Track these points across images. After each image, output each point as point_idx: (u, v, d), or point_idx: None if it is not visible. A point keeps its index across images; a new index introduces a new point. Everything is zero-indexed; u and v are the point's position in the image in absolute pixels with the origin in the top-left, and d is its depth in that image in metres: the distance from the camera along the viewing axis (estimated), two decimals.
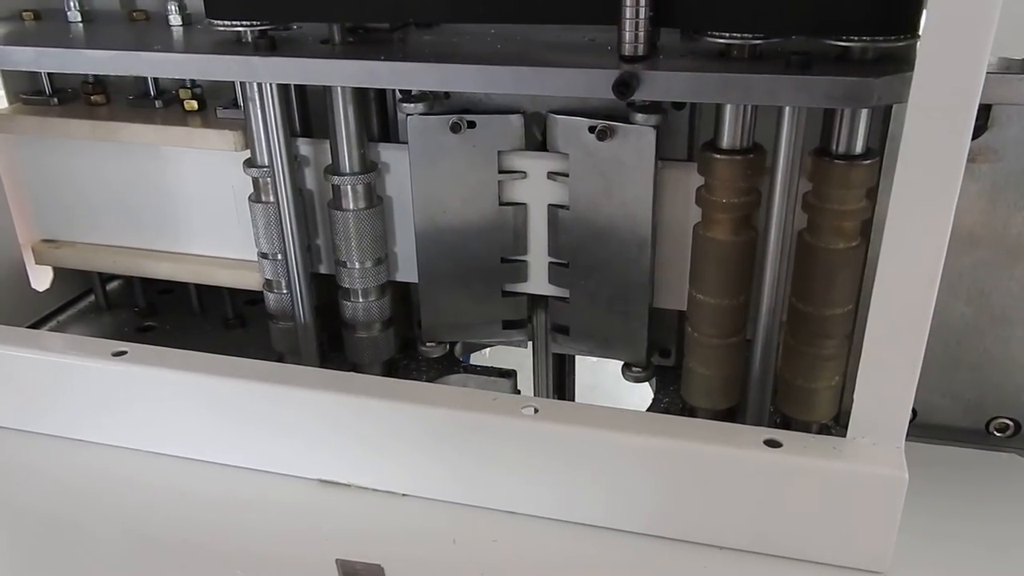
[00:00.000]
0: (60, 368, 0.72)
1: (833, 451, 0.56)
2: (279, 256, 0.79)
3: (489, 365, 0.88)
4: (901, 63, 0.55)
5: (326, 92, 0.71)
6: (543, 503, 0.63)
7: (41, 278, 0.95)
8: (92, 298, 1.00)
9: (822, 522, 0.57)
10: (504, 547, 0.62)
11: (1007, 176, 0.62)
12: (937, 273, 0.50)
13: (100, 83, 0.85)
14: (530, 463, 0.62)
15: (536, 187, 0.73)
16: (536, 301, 0.79)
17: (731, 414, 0.72)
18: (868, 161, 0.60)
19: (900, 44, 0.55)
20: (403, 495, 0.67)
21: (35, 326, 0.94)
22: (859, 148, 0.60)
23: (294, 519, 0.66)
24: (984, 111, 0.60)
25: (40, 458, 0.74)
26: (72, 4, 0.82)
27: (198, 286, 0.96)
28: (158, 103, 0.84)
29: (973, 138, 0.61)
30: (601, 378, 0.92)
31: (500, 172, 0.72)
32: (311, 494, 0.68)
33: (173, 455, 0.72)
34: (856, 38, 0.56)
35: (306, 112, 0.79)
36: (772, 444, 0.57)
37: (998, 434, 0.71)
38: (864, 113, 0.59)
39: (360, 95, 0.72)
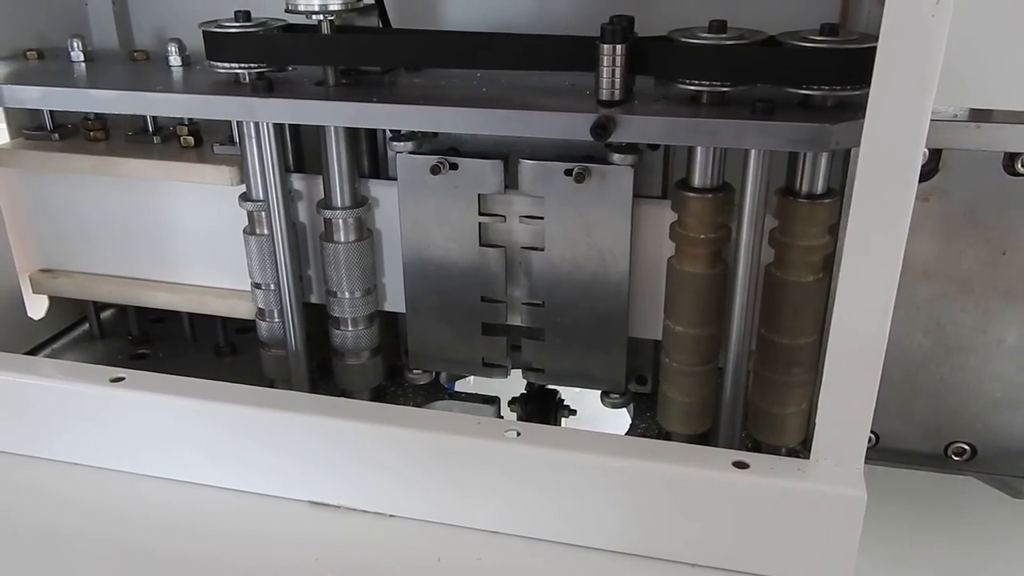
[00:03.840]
0: (60, 394, 0.75)
1: (797, 472, 0.60)
2: (272, 286, 0.82)
3: (473, 392, 0.91)
4: (858, 110, 0.59)
5: (319, 130, 0.75)
6: (524, 522, 0.66)
7: (37, 307, 0.97)
8: (86, 326, 1.02)
9: (787, 539, 0.61)
10: (487, 565, 0.65)
11: (958, 215, 0.66)
12: (890, 304, 0.54)
13: (100, 119, 0.88)
14: (512, 484, 0.65)
15: (516, 229, 0.76)
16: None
17: (705, 438, 0.76)
18: (829, 200, 0.64)
19: (857, 93, 0.59)
20: (391, 516, 0.69)
21: (30, 354, 0.96)
22: (821, 188, 0.65)
23: (286, 539, 0.69)
24: (936, 155, 0.65)
25: (38, 481, 0.76)
26: (75, 44, 0.85)
27: (190, 315, 0.98)
28: (156, 139, 0.87)
29: (926, 180, 0.66)
30: (581, 406, 0.95)
31: (481, 214, 0.75)
32: (302, 515, 0.71)
33: (169, 478, 0.74)
34: (816, 87, 0.60)
35: (300, 148, 0.82)
36: (740, 465, 0.61)
37: (955, 458, 0.74)
38: (825, 156, 0.64)
39: (352, 133, 0.76)
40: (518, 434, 0.65)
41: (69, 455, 0.76)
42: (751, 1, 0.72)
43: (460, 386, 0.96)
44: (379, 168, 0.82)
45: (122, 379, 0.73)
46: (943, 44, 0.47)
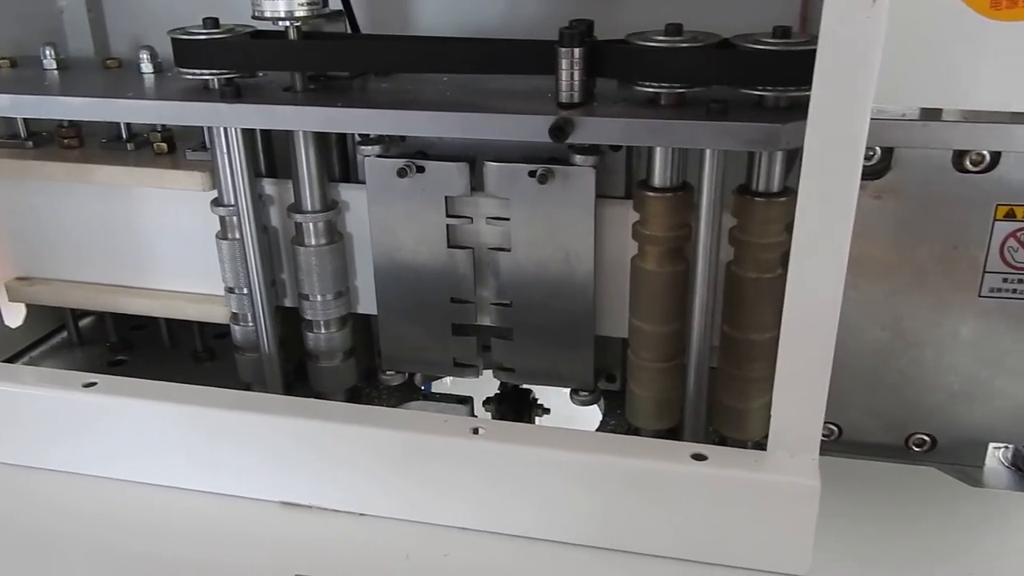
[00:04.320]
0: (32, 400, 0.75)
1: (754, 463, 0.61)
2: (245, 290, 0.83)
3: (448, 392, 0.92)
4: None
5: (289, 135, 0.76)
6: (490, 518, 0.67)
7: (14, 315, 0.97)
8: (65, 334, 1.03)
9: (746, 528, 0.62)
10: (455, 560, 0.66)
11: (911, 211, 0.68)
12: (838, 298, 0.55)
13: (74, 127, 0.89)
14: (478, 481, 0.66)
15: (483, 231, 0.77)
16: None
17: (672, 433, 0.77)
18: (784, 198, 0.66)
19: (808, 93, 0.60)
20: (361, 515, 0.71)
21: (8, 362, 0.97)
22: (776, 186, 0.66)
23: (259, 539, 0.70)
24: (887, 153, 0.66)
25: (12, 487, 0.76)
26: (48, 52, 0.86)
27: (168, 321, 0.99)
28: (130, 146, 0.88)
29: (878, 178, 0.67)
30: (556, 406, 0.96)
31: (448, 216, 0.77)
32: (274, 515, 0.72)
33: (141, 482, 0.75)
34: (769, 88, 0.62)
35: (270, 153, 0.83)
36: (698, 458, 0.62)
37: (916, 449, 0.76)
38: (780, 155, 0.65)
39: (321, 138, 0.77)
40: (483, 431, 0.66)
41: (43, 461, 0.77)
42: (720, 5, 0.74)
43: (437, 387, 0.97)
44: (349, 172, 0.83)
45: (95, 384, 0.74)
46: (880, 44, 0.48)
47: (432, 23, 0.87)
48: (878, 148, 0.66)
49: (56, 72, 0.85)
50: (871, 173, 0.67)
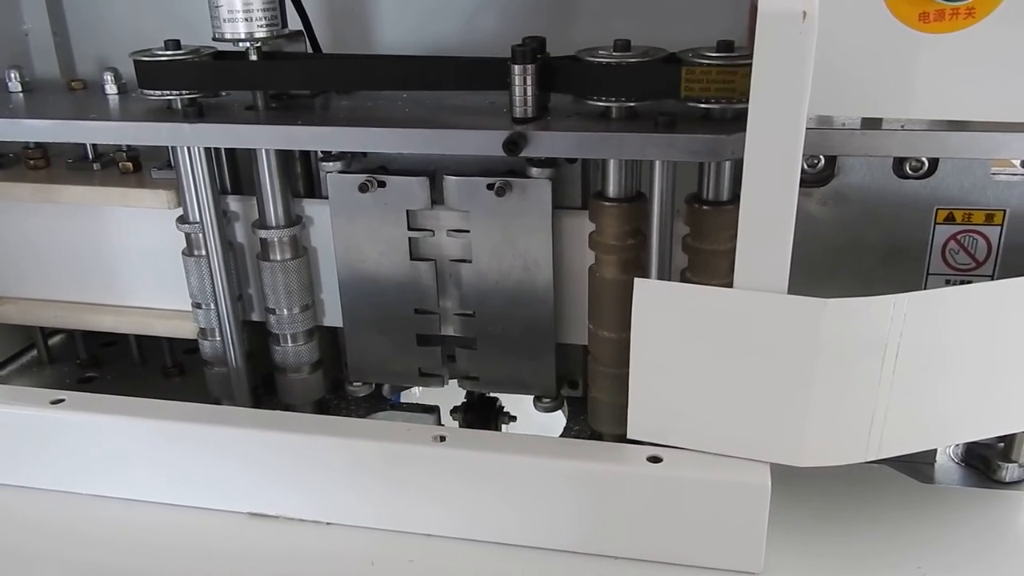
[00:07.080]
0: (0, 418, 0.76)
1: (707, 465, 0.63)
2: (212, 305, 0.84)
3: (415, 402, 0.93)
4: None
5: (252, 153, 0.77)
6: (453, 524, 0.69)
7: None
8: (34, 352, 1.04)
9: (702, 528, 0.64)
10: (419, 566, 0.67)
11: (855, 216, 0.70)
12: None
13: (40, 148, 0.90)
14: (441, 487, 0.68)
15: (445, 243, 0.79)
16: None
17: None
18: (732, 206, 0.67)
19: None
20: (327, 524, 0.72)
21: None
22: (725, 195, 0.68)
23: (227, 550, 0.70)
24: (831, 161, 0.69)
25: None
26: (13, 75, 0.87)
27: (138, 337, 1.00)
28: (96, 166, 0.89)
29: (823, 185, 0.70)
30: (523, 413, 0.98)
31: (410, 229, 0.78)
32: (242, 526, 0.73)
33: (110, 496, 0.76)
34: (714, 101, 0.64)
35: (235, 170, 0.85)
36: (654, 460, 0.64)
37: None
38: (728, 164, 0.67)
39: (283, 155, 0.78)
40: (445, 438, 0.67)
41: (11, 478, 0.78)
42: (674, 19, 0.76)
43: (406, 397, 0.99)
44: (314, 188, 0.84)
45: (62, 401, 0.75)
46: (811, 57, 0.51)
47: (392, 42, 0.89)
48: (822, 157, 0.68)
49: (22, 95, 0.86)
50: (816, 181, 0.69)
